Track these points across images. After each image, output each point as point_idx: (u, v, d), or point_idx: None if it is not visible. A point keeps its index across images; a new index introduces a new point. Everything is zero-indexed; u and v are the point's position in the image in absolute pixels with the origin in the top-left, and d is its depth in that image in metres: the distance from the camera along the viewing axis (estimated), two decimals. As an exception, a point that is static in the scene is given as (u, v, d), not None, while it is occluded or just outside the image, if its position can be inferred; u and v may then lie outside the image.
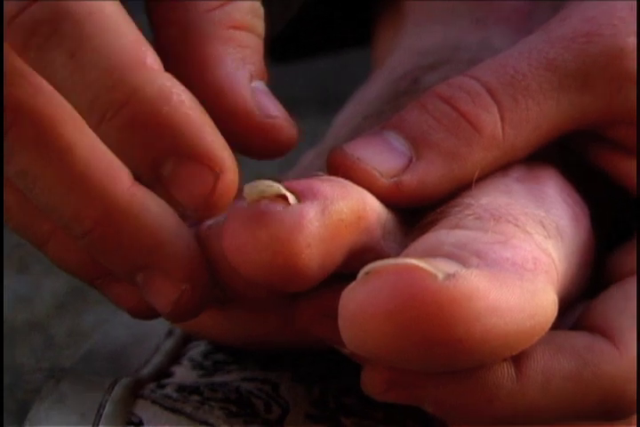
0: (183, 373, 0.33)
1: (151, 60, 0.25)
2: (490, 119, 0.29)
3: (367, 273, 0.24)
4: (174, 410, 0.30)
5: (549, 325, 0.25)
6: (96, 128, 0.26)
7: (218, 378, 0.32)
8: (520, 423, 0.27)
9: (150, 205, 0.27)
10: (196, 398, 0.31)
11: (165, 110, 0.25)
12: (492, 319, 0.23)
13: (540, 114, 0.29)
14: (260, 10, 0.29)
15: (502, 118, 0.29)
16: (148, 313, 0.29)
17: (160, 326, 0.35)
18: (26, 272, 0.53)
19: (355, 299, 0.24)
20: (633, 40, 0.30)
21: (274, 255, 0.25)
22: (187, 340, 0.35)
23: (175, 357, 0.34)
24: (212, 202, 0.26)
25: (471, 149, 0.29)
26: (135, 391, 0.31)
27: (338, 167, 0.29)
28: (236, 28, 0.28)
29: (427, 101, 0.29)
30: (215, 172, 0.26)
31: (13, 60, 0.26)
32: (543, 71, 0.29)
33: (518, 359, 0.26)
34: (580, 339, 0.27)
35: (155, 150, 0.25)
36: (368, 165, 0.28)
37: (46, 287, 0.52)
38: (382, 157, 0.29)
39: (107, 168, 0.27)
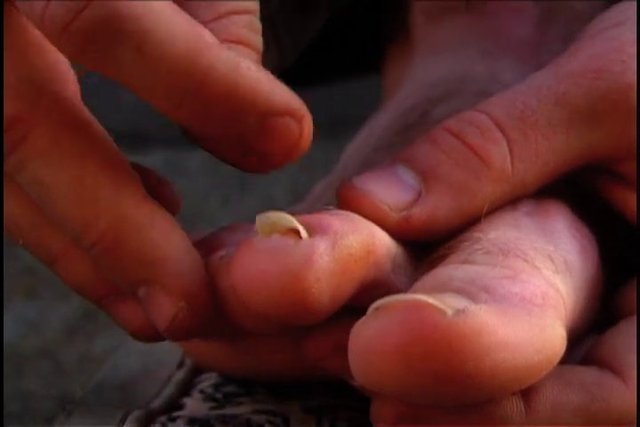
0: (194, 405, 0.33)
1: (209, 37, 0.26)
2: (499, 153, 0.29)
3: (377, 309, 0.24)
4: (185, 443, 0.31)
5: (558, 359, 0.26)
6: (175, 112, 0.27)
7: (229, 410, 0.32)
8: None
9: (157, 220, 0.27)
10: (206, 430, 0.31)
11: (240, 81, 0.26)
12: (502, 354, 0.24)
13: (550, 149, 0.29)
14: (257, 24, 0.30)
15: (511, 153, 0.29)
16: (151, 336, 0.29)
17: (171, 356, 0.36)
18: (35, 298, 0.53)
19: (364, 334, 0.24)
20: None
21: (283, 290, 0.25)
22: (198, 371, 0.35)
23: (186, 388, 0.34)
24: (301, 146, 0.28)
25: (480, 182, 0.29)
26: (146, 424, 0.31)
27: (347, 201, 0.29)
28: (230, 41, 0.29)
29: (436, 136, 0.30)
30: (299, 120, 0.27)
31: (29, 71, 0.27)
32: (552, 106, 0.30)
33: (527, 394, 0.26)
34: (588, 374, 0.28)
35: (237, 116, 0.27)
36: (377, 199, 0.29)
37: (56, 313, 0.52)
38: (392, 190, 0.29)
39: (118, 180, 0.27)
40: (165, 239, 0.27)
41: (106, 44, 0.25)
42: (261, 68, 0.27)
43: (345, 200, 0.29)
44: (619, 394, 0.27)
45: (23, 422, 0.42)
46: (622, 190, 0.31)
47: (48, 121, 0.27)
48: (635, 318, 0.30)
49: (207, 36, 0.26)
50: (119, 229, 0.27)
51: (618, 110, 0.30)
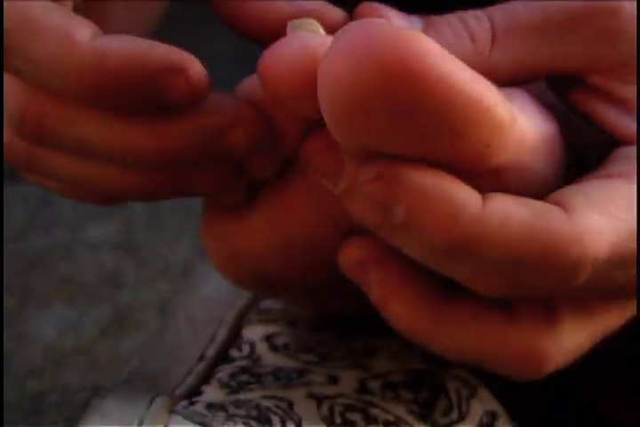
0: (211, 392, 0.35)
1: (80, 33, 0.29)
2: (485, 38, 0.32)
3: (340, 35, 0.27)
4: (203, 424, 0.33)
5: (503, 122, 0.28)
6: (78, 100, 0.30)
7: (242, 396, 0.35)
8: (474, 254, 0.28)
9: None
10: (222, 414, 0.33)
11: (111, 63, 0.29)
12: (440, 60, 0.26)
13: (523, 48, 0.32)
14: None
15: (493, 41, 0.32)
16: (230, 184, 0.33)
17: (193, 352, 0.39)
18: (72, 304, 0.56)
19: (328, 55, 0.27)
20: (631, 6, 0.32)
21: (300, 64, 0.28)
22: (216, 363, 0.38)
23: (205, 378, 0.37)
24: (196, 93, 0.29)
25: (464, 49, 0.32)
26: (170, 408, 0.33)
27: (361, 13, 0.32)
28: None
29: (449, 17, 0.33)
30: (179, 72, 0.29)
31: None
32: (535, 13, 0.32)
33: (487, 195, 0.28)
34: (541, 204, 0.29)
35: (133, 88, 0.29)
36: (385, 13, 0.32)
37: (90, 317, 0.55)
38: (399, 18, 0.33)
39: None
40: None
41: (5, 58, 0.29)
42: (131, 38, 0.29)
43: (359, 13, 0.32)
44: (560, 219, 0.29)
45: (62, 410, 0.44)
46: (594, 100, 0.33)
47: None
48: (586, 180, 0.31)
49: (78, 32, 0.29)
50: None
51: (592, 27, 0.32)
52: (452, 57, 0.27)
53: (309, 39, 0.29)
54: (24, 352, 0.51)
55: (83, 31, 0.29)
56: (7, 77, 0.31)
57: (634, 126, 0.32)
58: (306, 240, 0.34)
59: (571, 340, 0.32)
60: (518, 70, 0.32)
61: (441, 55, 0.26)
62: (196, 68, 0.29)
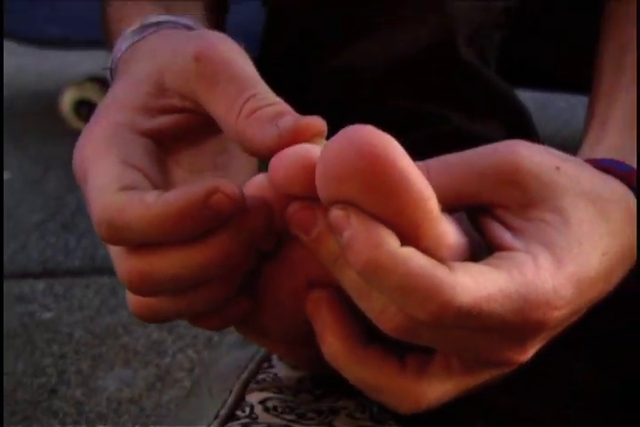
0: None
1: (148, 197, 0.37)
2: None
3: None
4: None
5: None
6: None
7: None
8: (381, 280, 0.34)
9: None
10: (227, 457, 0.43)
11: (174, 207, 0.36)
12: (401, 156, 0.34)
13: (451, 189, 0.39)
14: None
15: (429, 178, 0.37)
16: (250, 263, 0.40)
17: (210, 412, 0.48)
18: (129, 366, 0.66)
19: (328, 146, 0.34)
20: (530, 166, 0.39)
21: (297, 164, 0.36)
22: (226, 421, 0.47)
23: None
24: (234, 202, 0.37)
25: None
26: None
27: None
28: None
29: None
30: (218, 190, 0.37)
31: None
32: (463, 165, 0.39)
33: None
34: (437, 262, 0.36)
35: (195, 215, 0.36)
36: None
37: (140, 376, 0.65)
38: None
39: None
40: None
41: (120, 239, 0.38)
42: (181, 187, 0.37)
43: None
44: (445, 274, 0.35)
45: (120, 447, 0.55)
46: (492, 225, 0.40)
47: None
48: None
49: (147, 198, 0.36)
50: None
51: (498, 179, 0.39)
52: (411, 161, 0.34)
53: (307, 146, 0.36)
54: (93, 402, 0.61)
55: (150, 196, 0.37)
56: (115, 261, 0.38)
57: (515, 243, 0.39)
58: (289, 303, 0.41)
59: (440, 387, 0.39)
60: (445, 203, 0.38)
61: (403, 156, 0.33)
62: (227, 185, 0.36)
